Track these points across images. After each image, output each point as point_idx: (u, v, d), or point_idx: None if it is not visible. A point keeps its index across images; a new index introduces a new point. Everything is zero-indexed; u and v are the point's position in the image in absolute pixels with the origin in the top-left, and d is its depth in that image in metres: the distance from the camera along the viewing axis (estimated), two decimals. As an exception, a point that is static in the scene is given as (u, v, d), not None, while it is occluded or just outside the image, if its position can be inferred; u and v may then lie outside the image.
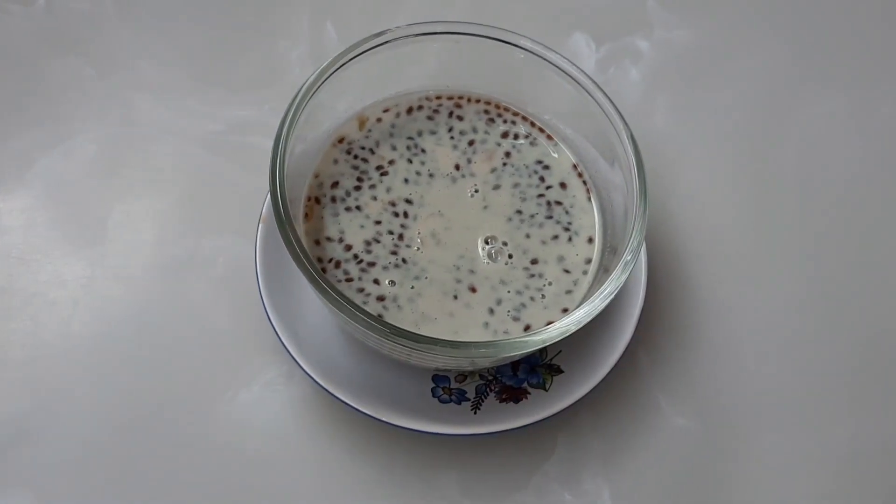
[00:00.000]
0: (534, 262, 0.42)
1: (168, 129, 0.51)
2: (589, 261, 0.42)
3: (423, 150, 0.44)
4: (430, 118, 0.45)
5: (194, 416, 0.43)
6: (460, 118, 0.45)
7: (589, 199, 0.44)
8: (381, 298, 0.40)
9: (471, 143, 0.45)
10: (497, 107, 0.46)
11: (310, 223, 0.42)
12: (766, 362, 0.47)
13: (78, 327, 0.45)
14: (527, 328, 0.40)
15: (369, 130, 0.44)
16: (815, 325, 0.48)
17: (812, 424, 0.46)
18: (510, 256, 0.42)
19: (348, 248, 0.41)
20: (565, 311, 0.41)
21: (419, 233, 0.42)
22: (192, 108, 0.52)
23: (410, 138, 0.45)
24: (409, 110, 0.45)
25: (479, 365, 0.41)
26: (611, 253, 0.41)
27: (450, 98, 0.46)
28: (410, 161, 0.44)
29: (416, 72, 0.44)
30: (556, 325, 0.36)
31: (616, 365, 0.42)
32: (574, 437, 0.44)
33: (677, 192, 0.51)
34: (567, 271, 0.42)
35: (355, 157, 0.44)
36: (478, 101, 0.46)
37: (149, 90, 0.52)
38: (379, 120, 0.45)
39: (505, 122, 0.46)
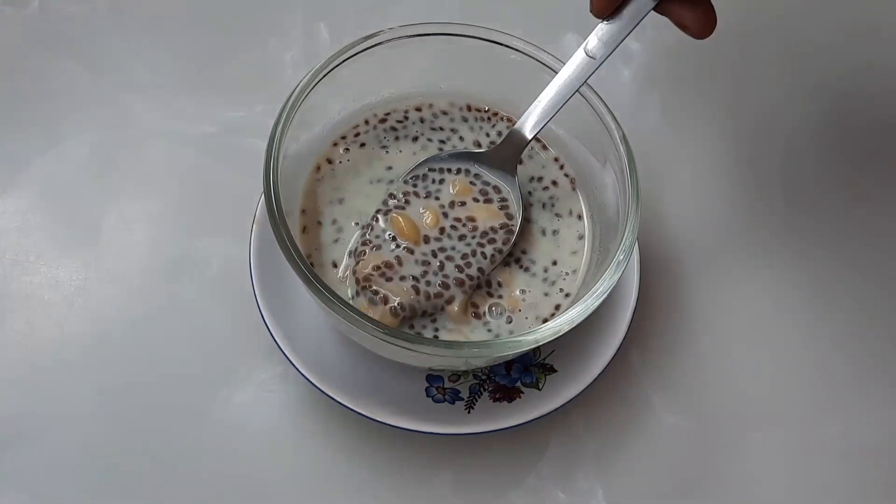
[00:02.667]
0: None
1: (161, 131, 0.51)
2: (581, 260, 0.42)
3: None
4: (422, 121, 0.45)
5: (189, 418, 0.43)
6: (452, 120, 0.45)
7: (581, 199, 0.44)
8: (374, 299, 0.40)
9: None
10: (489, 109, 0.46)
11: (304, 224, 0.42)
12: (758, 360, 0.47)
13: (72, 329, 0.45)
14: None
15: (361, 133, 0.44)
16: (806, 323, 0.48)
17: (803, 421, 0.46)
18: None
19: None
20: (558, 309, 0.41)
21: (413, 233, 0.42)
22: (186, 110, 0.52)
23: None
24: (396, 115, 0.45)
25: (473, 364, 0.41)
26: (603, 252, 0.41)
27: (442, 100, 0.46)
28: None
29: (409, 73, 0.44)
30: (549, 324, 0.36)
31: (609, 364, 0.42)
32: (567, 435, 0.44)
33: (669, 192, 0.52)
34: (560, 271, 0.42)
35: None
36: (470, 102, 0.46)
37: (142, 92, 0.52)
38: (369, 123, 0.45)
39: (501, 120, 0.46)
